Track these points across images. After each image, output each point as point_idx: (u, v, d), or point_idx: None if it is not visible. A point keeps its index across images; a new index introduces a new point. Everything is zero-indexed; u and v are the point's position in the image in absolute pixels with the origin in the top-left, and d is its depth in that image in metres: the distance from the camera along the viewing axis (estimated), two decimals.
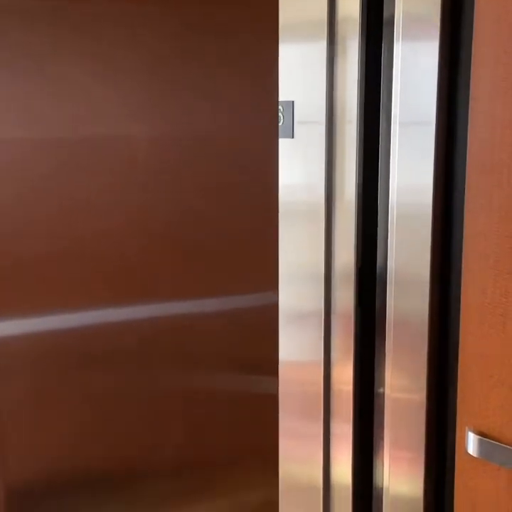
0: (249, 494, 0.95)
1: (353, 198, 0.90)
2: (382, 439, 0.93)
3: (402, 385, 0.91)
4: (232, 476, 0.95)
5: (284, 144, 0.91)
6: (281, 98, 0.89)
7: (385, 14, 0.86)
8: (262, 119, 0.87)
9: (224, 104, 0.88)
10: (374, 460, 0.96)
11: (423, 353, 0.90)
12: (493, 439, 0.85)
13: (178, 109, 0.85)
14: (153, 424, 0.92)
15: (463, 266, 0.85)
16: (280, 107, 0.90)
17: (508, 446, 0.83)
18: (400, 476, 0.93)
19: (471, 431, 0.86)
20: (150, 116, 0.85)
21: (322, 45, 0.87)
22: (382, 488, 0.95)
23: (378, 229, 0.91)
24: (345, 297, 0.93)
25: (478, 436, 0.85)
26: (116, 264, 0.87)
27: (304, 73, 0.89)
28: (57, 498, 0.83)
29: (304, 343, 0.94)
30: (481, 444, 0.85)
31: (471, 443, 0.86)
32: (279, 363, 0.94)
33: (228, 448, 0.95)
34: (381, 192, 0.90)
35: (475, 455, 0.86)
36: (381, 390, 0.94)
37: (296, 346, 0.95)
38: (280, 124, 0.90)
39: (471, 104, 0.81)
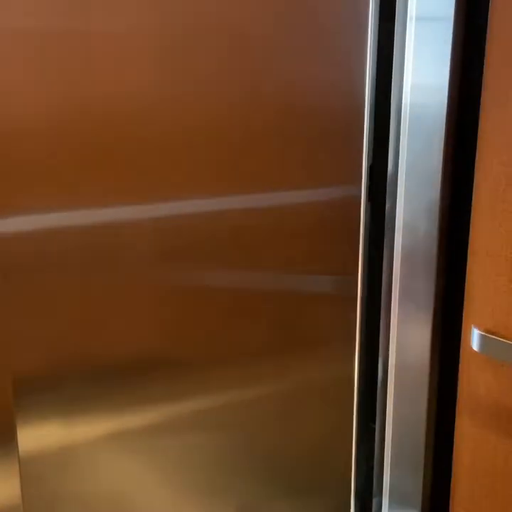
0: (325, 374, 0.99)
1: (365, 96, 0.90)
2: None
3: (413, 287, 0.93)
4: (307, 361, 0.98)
5: None
6: None
7: None
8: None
9: None
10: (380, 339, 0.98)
11: (432, 256, 0.91)
12: (498, 336, 0.87)
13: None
14: (234, 319, 0.92)
15: (476, 164, 0.85)
16: None
17: None
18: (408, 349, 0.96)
19: (476, 328, 0.88)
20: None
21: None
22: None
23: (390, 129, 0.91)
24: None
25: (483, 333, 0.87)
26: (213, 154, 0.84)
27: None
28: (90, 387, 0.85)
29: None
30: (485, 341, 0.88)
31: (476, 339, 0.88)
32: None
33: (303, 338, 0.96)
34: (395, 91, 0.89)
35: (479, 351, 0.88)
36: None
37: None
38: None
39: None
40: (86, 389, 0.86)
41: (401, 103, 0.88)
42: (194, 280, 0.88)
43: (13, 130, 0.73)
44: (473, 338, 0.89)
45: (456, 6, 0.82)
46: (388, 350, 0.95)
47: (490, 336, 0.88)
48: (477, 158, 0.85)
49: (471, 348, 0.89)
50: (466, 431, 0.93)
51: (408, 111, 0.87)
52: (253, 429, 0.97)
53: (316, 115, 0.89)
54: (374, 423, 1.02)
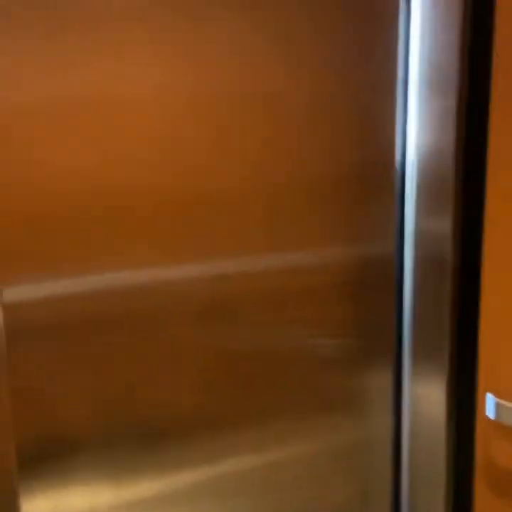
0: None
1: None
2: None
3: (425, 351, 0.91)
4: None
5: None
6: None
7: None
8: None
9: None
10: None
11: (445, 319, 0.89)
12: None
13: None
14: (270, 380, 0.91)
15: (485, 227, 0.83)
16: None
17: None
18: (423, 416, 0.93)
19: (491, 394, 0.85)
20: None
21: None
22: None
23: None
24: None
25: (498, 400, 0.84)
26: (245, 214, 0.85)
27: None
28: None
29: None
30: (501, 408, 0.84)
31: (491, 406, 0.85)
32: None
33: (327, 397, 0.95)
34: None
35: (495, 419, 0.85)
36: None
37: None
38: None
39: None
40: (96, 457, 0.85)
41: (405, 165, 0.87)
42: (223, 341, 0.88)
43: (45, 193, 0.74)
44: (489, 405, 0.85)
45: (459, 66, 0.82)
46: (401, 418, 0.93)
47: (506, 403, 0.84)
48: (486, 220, 0.83)
49: (487, 416, 0.86)
50: (486, 501, 0.89)
51: (415, 172, 0.86)
52: (285, 490, 0.96)
53: (346, 176, 0.88)
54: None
